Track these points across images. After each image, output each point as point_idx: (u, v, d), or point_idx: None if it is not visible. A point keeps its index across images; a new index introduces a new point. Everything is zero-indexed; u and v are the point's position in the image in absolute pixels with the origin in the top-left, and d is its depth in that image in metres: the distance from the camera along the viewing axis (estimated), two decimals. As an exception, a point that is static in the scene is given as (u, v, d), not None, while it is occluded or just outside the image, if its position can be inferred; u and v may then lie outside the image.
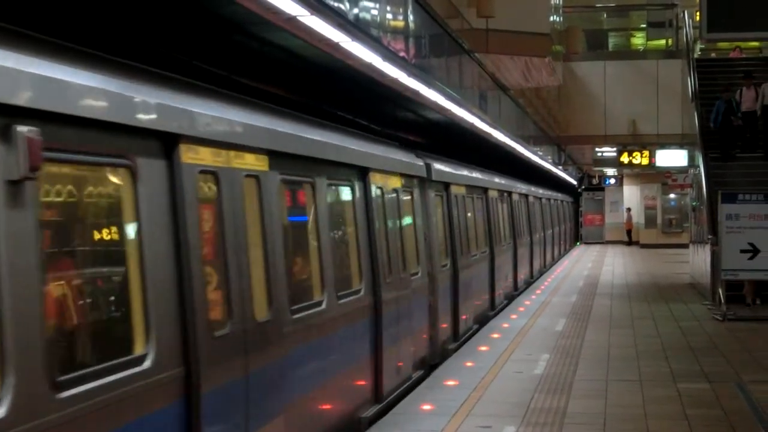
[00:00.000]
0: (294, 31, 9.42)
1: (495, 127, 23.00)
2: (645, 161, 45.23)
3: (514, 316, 22.03)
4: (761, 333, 19.25)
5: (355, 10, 10.90)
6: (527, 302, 25.37)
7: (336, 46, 10.42)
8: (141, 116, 6.20)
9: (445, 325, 16.70)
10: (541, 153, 36.49)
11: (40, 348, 5.00)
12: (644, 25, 47.75)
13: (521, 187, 31.04)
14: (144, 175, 6.26)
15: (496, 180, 25.22)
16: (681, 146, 40.42)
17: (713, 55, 36.94)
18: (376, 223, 12.13)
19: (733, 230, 21.37)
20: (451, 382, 13.83)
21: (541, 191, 38.23)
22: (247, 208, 7.93)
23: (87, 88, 5.63)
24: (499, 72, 26.35)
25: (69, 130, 5.47)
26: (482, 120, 20.89)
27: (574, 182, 61.76)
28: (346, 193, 11.48)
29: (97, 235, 6.06)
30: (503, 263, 24.91)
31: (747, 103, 25.26)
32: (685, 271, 33.51)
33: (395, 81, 13.31)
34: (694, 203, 31.34)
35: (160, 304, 6.34)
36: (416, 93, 14.76)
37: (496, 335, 18.78)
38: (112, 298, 6.22)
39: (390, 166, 13.16)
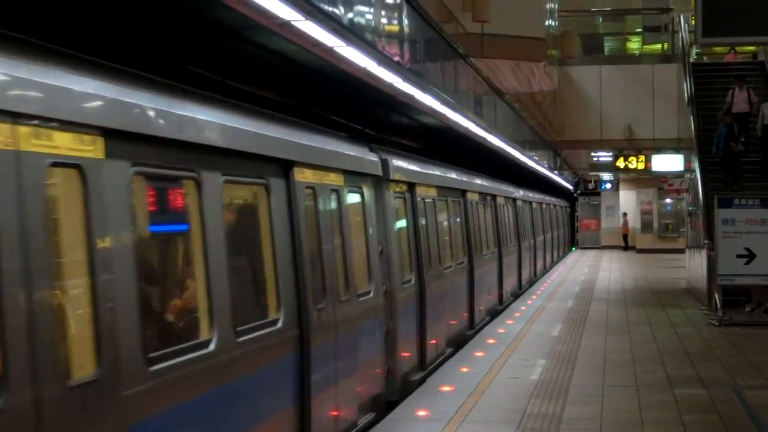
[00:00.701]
0: (288, 36, 9.37)
1: (490, 132, 22.97)
2: (641, 166, 45.27)
3: (510, 322, 21.98)
4: (757, 338, 19.22)
5: (350, 15, 10.86)
6: (523, 307, 25.32)
7: (330, 51, 10.38)
8: None
9: (407, 354, 14.18)
10: (536, 158, 36.45)
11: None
12: (640, 30, 47.74)
13: (508, 190, 28.85)
14: None
15: (478, 182, 22.84)
16: (677, 151, 40.43)
17: (705, 59, 36.90)
18: (303, 233, 9.48)
19: (730, 235, 21.35)
20: (446, 388, 13.78)
21: (531, 194, 36.15)
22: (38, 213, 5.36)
23: None
24: (495, 76, 26.31)
25: None
26: (477, 125, 20.86)
27: (570, 187, 61.75)
28: (255, 194, 8.90)
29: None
30: (485, 274, 22.49)
31: (739, 105, 25.27)
32: (681, 276, 33.50)
33: (390, 86, 13.27)
34: (690, 208, 31.32)
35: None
36: (410, 97, 14.72)
37: (491, 341, 18.72)
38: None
39: (327, 160, 10.50)
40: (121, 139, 6.14)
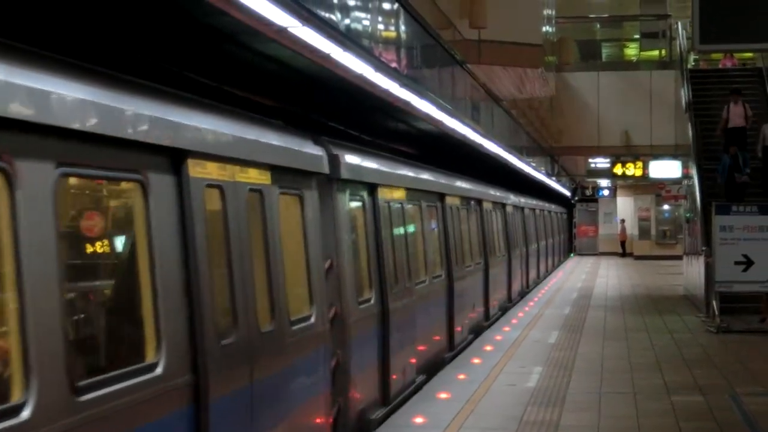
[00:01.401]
0: (285, 42, 9.36)
1: (487, 138, 22.96)
2: (638, 172, 45.35)
3: (507, 329, 21.94)
4: (755, 345, 19.20)
5: (347, 21, 10.85)
6: (520, 314, 25.28)
7: (327, 57, 10.37)
8: None
9: (365, 388, 11.78)
10: (534, 164, 36.46)
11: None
12: (637, 36, 47.80)
13: (496, 195, 26.56)
14: None
15: (460, 184, 20.56)
16: (674, 157, 40.44)
17: (701, 64, 36.91)
18: (201, 246, 7.06)
19: (727, 242, 21.33)
20: (443, 395, 13.74)
21: (523, 200, 34.30)
22: None
23: None
24: (492, 83, 26.32)
25: None
26: (475, 131, 20.84)
27: (568, 193, 61.80)
28: (120, 194, 6.74)
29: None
30: (468, 288, 20.16)
31: (735, 120, 25.12)
32: (679, 282, 33.49)
33: (386, 92, 13.26)
34: (687, 215, 31.31)
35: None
36: (407, 104, 14.70)
37: (488, 348, 18.69)
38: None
39: (243, 151, 8.03)
40: None
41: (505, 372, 15.86)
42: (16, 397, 4.93)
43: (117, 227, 6.73)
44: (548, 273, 43.10)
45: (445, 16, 20.77)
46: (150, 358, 6.37)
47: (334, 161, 10.86)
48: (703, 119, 27.85)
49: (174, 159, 6.88)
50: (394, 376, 12.98)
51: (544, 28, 29.29)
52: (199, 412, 6.88)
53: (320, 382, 9.85)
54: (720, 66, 34.77)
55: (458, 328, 18.58)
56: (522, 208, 33.35)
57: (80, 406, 5.39)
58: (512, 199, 30.40)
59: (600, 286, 36.26)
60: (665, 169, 43.80)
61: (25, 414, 4.89)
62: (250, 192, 8.19)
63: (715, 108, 27.02)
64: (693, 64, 34.93)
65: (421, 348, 15.09)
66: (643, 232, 62.54)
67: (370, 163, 12.64)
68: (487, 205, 24.01)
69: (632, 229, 63.84)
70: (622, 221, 64.56)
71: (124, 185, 6.54)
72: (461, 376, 15.33)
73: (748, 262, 21.17)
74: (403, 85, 13.45)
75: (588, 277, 41.46)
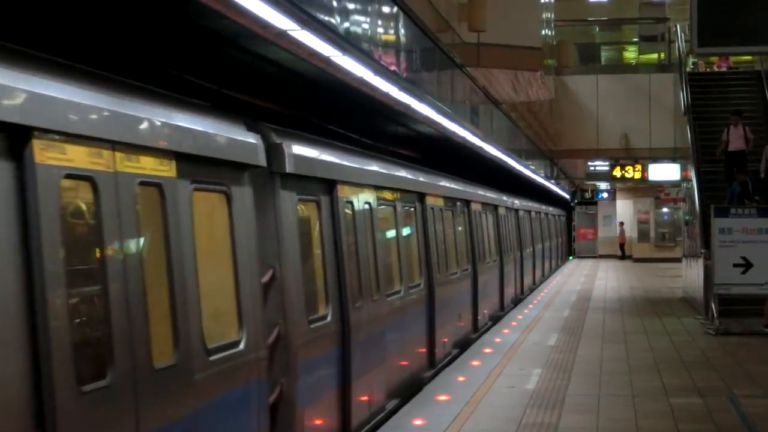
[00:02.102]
0: (284, 46, 9.39)
1: (486, 141, 22.99)
2: (637, 175, 45.39)
3: (506, 331, 21.97)
4: (754, 347, 19.22)
5: (346, 24, 10.88)
6: (519, 317, 25.31)
7: (327, 61, 10.40)
8: None
9: (318, 423, 9.99)
10: (533, 167, 36.48)
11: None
12: (636, 39, 47.84)
13: (487, 195, 24.70)
14: None
15: (444, 184, 18.57)
16: (673, 160, 40.48)
17: (700, 65, 36.95)
18: (53, 260, 5.24)
19: (726, 244, 21.34)
20: (443, 397, 13.76)
21: (518, 201, 32.54)
22: None
23: None
24: (491, 86, 26.34)
25: None
26: (474, 134, 20.88)
27: (567, 196, 61.84)
28: None
29: None
30: (453, 298, 18.34)
31: (735, 143, 25.02)
32: (677, 285, 33.52)
33: (386, 95, 13.29)
34: (686, 217, 31.34)
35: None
36: (407, 107, 14.73)
37: (488, 350, 18.71)
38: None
39: (130, 134, 6.18)
40: None
41: (504, 374, 15.88)
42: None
43: None
44: (545, 278, 41.97)
45: (444, 20, 20.78)
46: None
47: (275, 152, 8.98)
48: (702, 122, 27.88)
49: (10, 139, 5.02)
50: (358, 405, 11.20)
51: (543, 32, 29.29)
52: None
53: (251, 421, 7.96)
54: (715, 68, 34.80)
55: (443, 340, 17.03)
56: (516, 211, 31.66)
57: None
58: (505, 200, 28.63)
59: (599, 288, 36.28)
60: (664, 171, 43.88)
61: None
62: (142, 186, 6.33)
63: (713, 111, 27.05)
64: (692, 67, 34.97)
65: (394, 367, 13.35)
66: (642, 235, 62.61)
67: (327, 156, 10.66)
68: (476, 207, 22.24)
69: (631, 231, 63.90)
70: (621, 224, 64.61)
71: None
72: (461, 378, 15.34)
73: (746, 265, 21.19)
74: (403, 88, 13.48)
75: (587, 280, 41.48)
